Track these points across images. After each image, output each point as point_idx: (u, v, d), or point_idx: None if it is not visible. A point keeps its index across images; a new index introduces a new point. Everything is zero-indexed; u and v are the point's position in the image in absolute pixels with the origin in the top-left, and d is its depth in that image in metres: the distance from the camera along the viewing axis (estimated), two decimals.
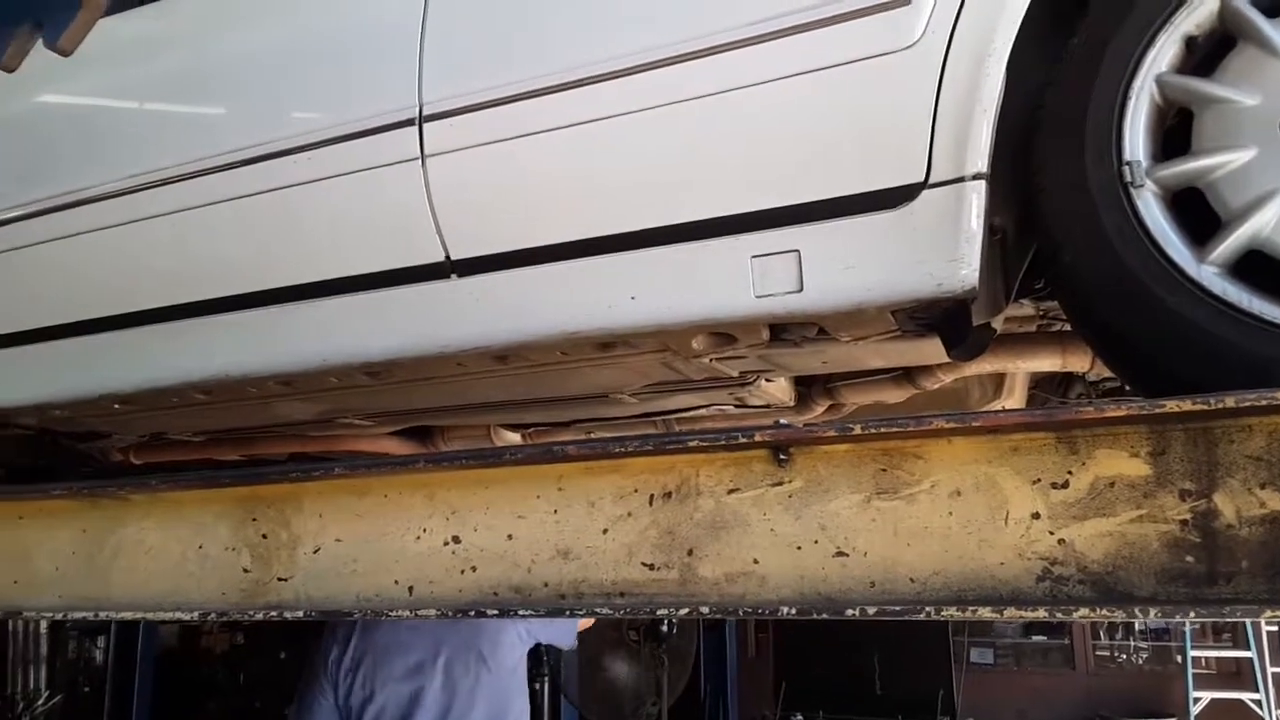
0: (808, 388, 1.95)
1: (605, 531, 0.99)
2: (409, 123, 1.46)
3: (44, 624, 6.36)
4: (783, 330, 1.41)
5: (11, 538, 1.36)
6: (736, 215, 1.29)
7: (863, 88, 1.20)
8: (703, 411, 2.05)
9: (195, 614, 1.19)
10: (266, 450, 2.38)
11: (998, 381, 2.03)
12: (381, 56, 1.51)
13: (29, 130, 1.85)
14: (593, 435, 2.25)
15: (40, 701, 6.06)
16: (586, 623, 2.87)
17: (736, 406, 1.99)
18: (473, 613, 1.03)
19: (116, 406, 1.83)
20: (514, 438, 2.30)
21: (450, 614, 1.02)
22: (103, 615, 1.24)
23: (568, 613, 0.98)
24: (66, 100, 1.79)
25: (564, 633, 2.71)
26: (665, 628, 4.52)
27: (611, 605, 0.96)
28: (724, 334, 1.40)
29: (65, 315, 1.75)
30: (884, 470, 0.95)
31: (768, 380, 1.81)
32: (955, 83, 1.15)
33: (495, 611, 1.02)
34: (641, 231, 1.34)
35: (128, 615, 1.22)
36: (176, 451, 2.40)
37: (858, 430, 0.94)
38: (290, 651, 9.36)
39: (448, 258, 1.47)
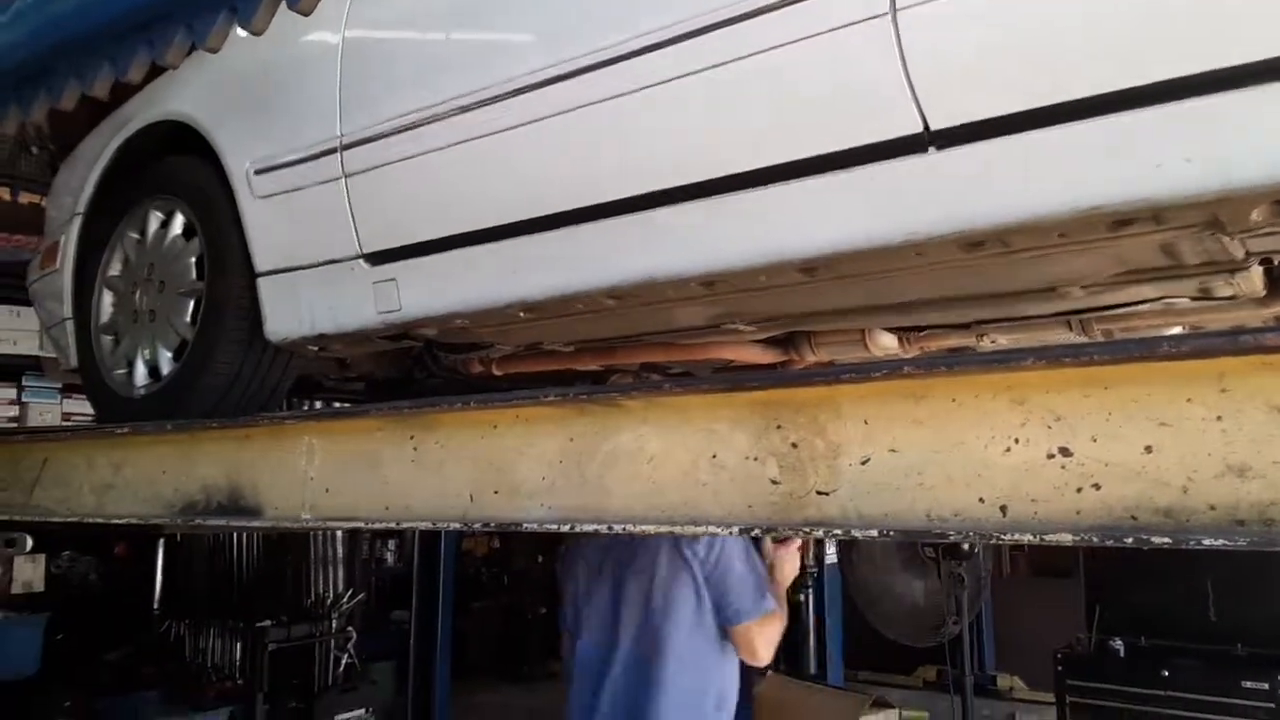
0: None
1: None
2: None
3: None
4: None
5: (489, 446, 1.33)
6: None
7: None
8: (1143, 308, 1.78)
9: (716, 527, 1.09)
10: (623, 359, 2.32)
11: None
12: None
13: (429, 25, 1.81)
14: (987, 338, 2.03)
15: (345, 599, 6.68)
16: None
17: (1194, 299, 1.70)
18: (1096, 538, 0.86)
19: (522, 315, 1.79)
20: (890, 343, 2.11)
21: (1083, 536, 0.86)
22: (601, 528, 1.16)
23: (1243, 542, 0.79)
24: None
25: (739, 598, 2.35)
26: (966, 545, 4.28)
27: None
28: None
29: (481, 220, 1.71)
30: None
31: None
32: None
33: (1130, 540, 0.85)
34: (1208, 74, 1.08)
35: (630, 527, 1.14)
36: (540, 362, 2.39)
37: None
38: (547, 555, 9.87)
39: (926, 128, 1.28)
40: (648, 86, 1.45)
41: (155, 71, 2.25)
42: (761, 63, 1.38)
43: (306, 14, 1.67)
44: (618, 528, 1.17)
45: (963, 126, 1.24)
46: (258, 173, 2.04)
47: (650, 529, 1.14)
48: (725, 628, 2.34)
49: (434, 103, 1.76)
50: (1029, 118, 1.21)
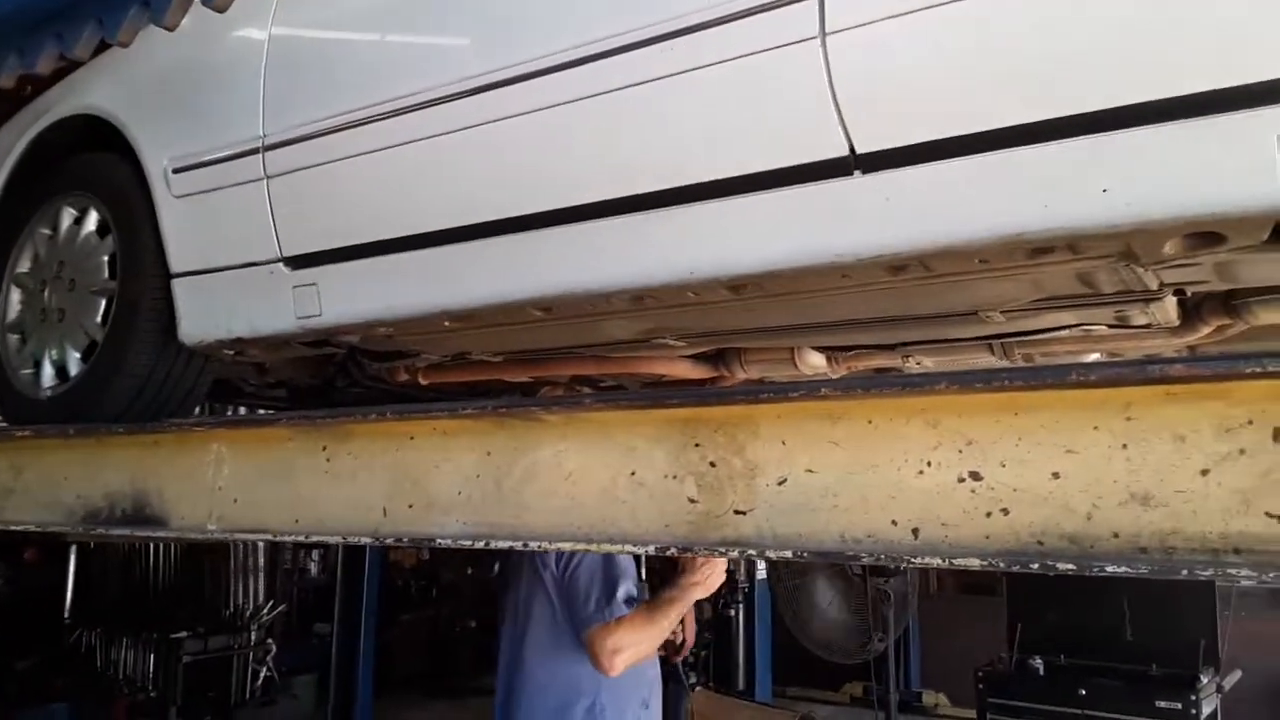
0: (1197, 306, 1.69)
1: (1205, 473, 0.79)
2: None
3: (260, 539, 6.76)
4: None
5: (404, 460, 1.29)
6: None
7: None
8: (1062, 333, 1.81)
9: (634, 546, 1.08)
10: (552, 372, 2.30)
11: None
12: None
13: (363, 27, 1.78)
14: (913, 359, 2.06)
15: (265, 611, 6.50)
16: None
17: (1111, 327, 1.74)
18: (1003, 564, 0.87)
19: (447, 324, 1.75)
20: (819, 362, 2.13)
21: (990, 561, 0.86)
22: (520, 545, 1.14)
23: (1144, 569, 0.80)
24: None
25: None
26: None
27: (1220, 563, 0.77)
28: (1210, 234, 1.17)
29: (407, 227, 1.67)
30: None
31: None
32: None
33: (1036, 565, 0.85)
34: (1129, 107, 1.11)
35: (550, 545, 1.11)
36: (467, 372, 2.35)
37: None
38: (476, 568, 9.74)
39: (852, 151, 1.29)
40: (579, 99, 1.44)
41: (72, 66, 2.18)
42: (693, 79, 1.37)
43: (222, 10, 1.63)
44: (534, 545, 1.14)
45: (887, 151, 1.25)
46: (176, 171, 1.97)
47: (567, 546, 1.11)
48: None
49: (362, 106, 1.73)
50: (952, 145, 1.22)
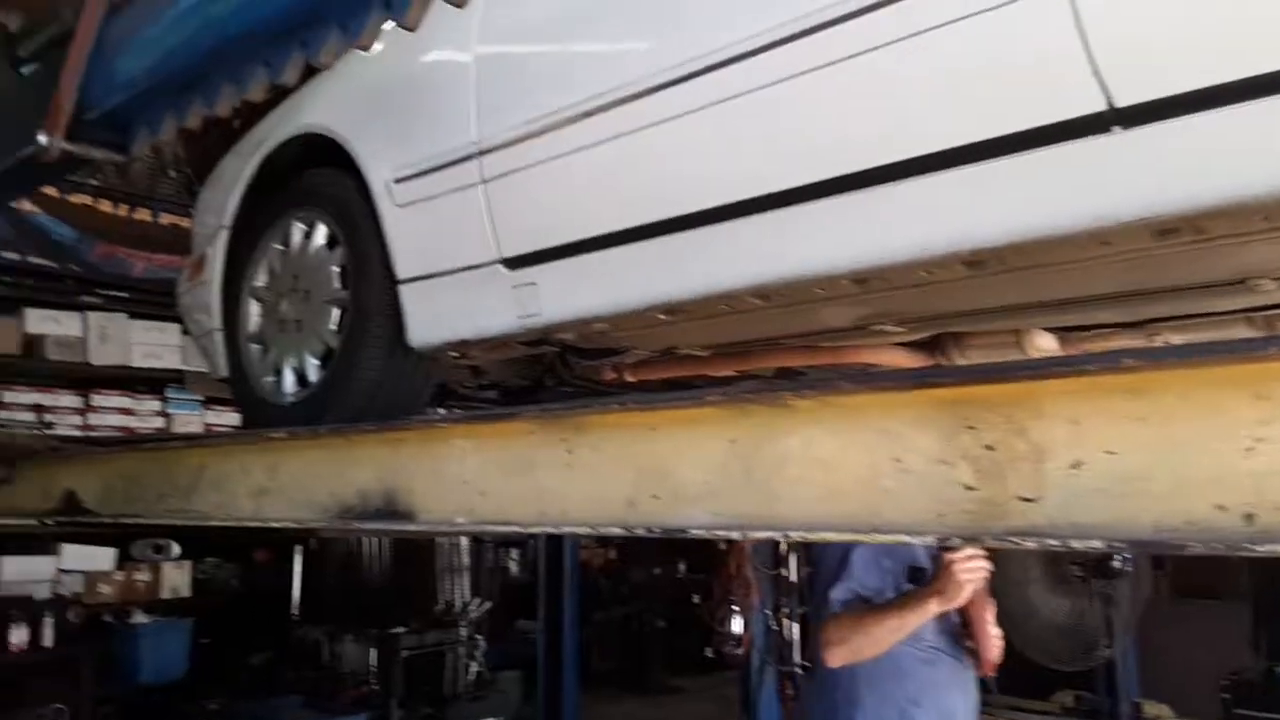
0: None
1: None
2: None
3: (464, 538, 7.07)
4: None
5: (646, 451, 1.28)
6: None
7: None
8: None
9: (904, 536, 1.02)
10: (759, 364, 2.25)
11: None
12: None
13: (573, 21, 1.79)
14: (1160, 337, 1.88)
15: (473, 607, 6.78)
16: None
17: None
18: None
19: (663, 317, 1.74)
20: (1049, 344, 1.98)
21: None
22: (773, 535, 1.09)
23: None
24: None
25: None
26: (1117, 562, 4.02)
27: None
28: None
29: (622, 221, 1.67)
30: None
31: None
32: None
33: None
34: None
35: (810, 536, 1.07)
36: (673, 368, 2.34)
37: None
38: (664, 567, 9.80)
39: (1110, 105, 1.17)
40: (806, 71, 1.39)
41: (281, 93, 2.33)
42: (926, 41, 1.29)
43: (412, 29, 1.68)
44: (793, 534, 1.10)
45: (1153, 103, 1.13)
46: (397, 181, 2.06)
47: (830, 536, 1.07)
48: None
49: (572, 103, 1.74)
50: (1238, 88, 1.09)
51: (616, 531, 1.30)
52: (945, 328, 1.92)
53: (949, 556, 2.35)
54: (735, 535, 1.16)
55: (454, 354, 2.11)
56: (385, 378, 2.14)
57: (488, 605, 6.97)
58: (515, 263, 1.87)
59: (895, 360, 2.07)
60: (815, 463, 1.10)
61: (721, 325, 1.80)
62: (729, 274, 1.55)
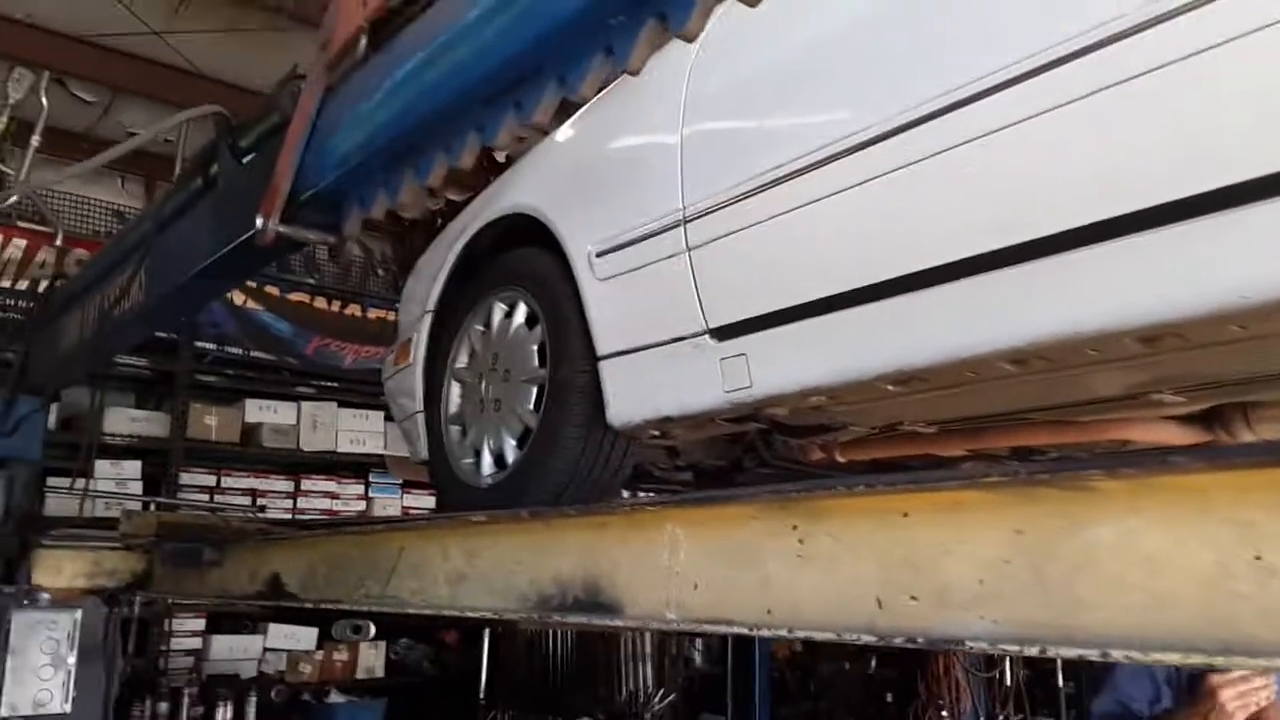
0: None
1: None
2: None
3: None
4: None
5: (898, 540, 1.08)
6: None
7: None
8: None
9: (1266, 658, 0.77)
10: (997, 443, 1.99)
11: None
12: None
13: (777, 80, 1.68)
14: None
15: (657, 698, 6.55)
16: None
17: None
18: None
19: (890, 388, 1.55)
20: None
21: None
22: (1082, 653, 0.87)
23: None
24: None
25: None
26: None
27: None
28: None
29: (845, 282, 1.51)
30: None
31: None
32: None
33: None
34: None
35: (1129, 655, 0.84)
36: (892, 447, 2.12)
37: None
38: (854, 663, 9.25)
39: None
40: (1082, 98, 1.19)
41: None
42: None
43: (691, 40, 1.59)
44: (1116, 654, 0.87)
45: None
46: (599, 255, 1.98)
47: (1162, 656, 0.83)
48: None
49: (786, 161, 1.61)
50: None
51: (865, 639, 1.09)
52: (1232, 397, 1.62)
53: (1216, 680, 1.99)
54: (1030, 651, 0.94)
55: (654, 433, 1.99)
56: (583, 458, 2.05)
57: (672, 696, 6.74)
58: (723, 333, 1.74)
59: (1165, 437, 1.78)
60: (1135, 559, 0.87)
61: (959, 398, 1.59)
62: (977, 335, 1.35)
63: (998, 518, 0.99)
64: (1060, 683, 5.17)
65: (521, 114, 1.48)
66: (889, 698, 7.99)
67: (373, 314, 7.18)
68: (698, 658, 8.29)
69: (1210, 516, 0.83)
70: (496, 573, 1.74)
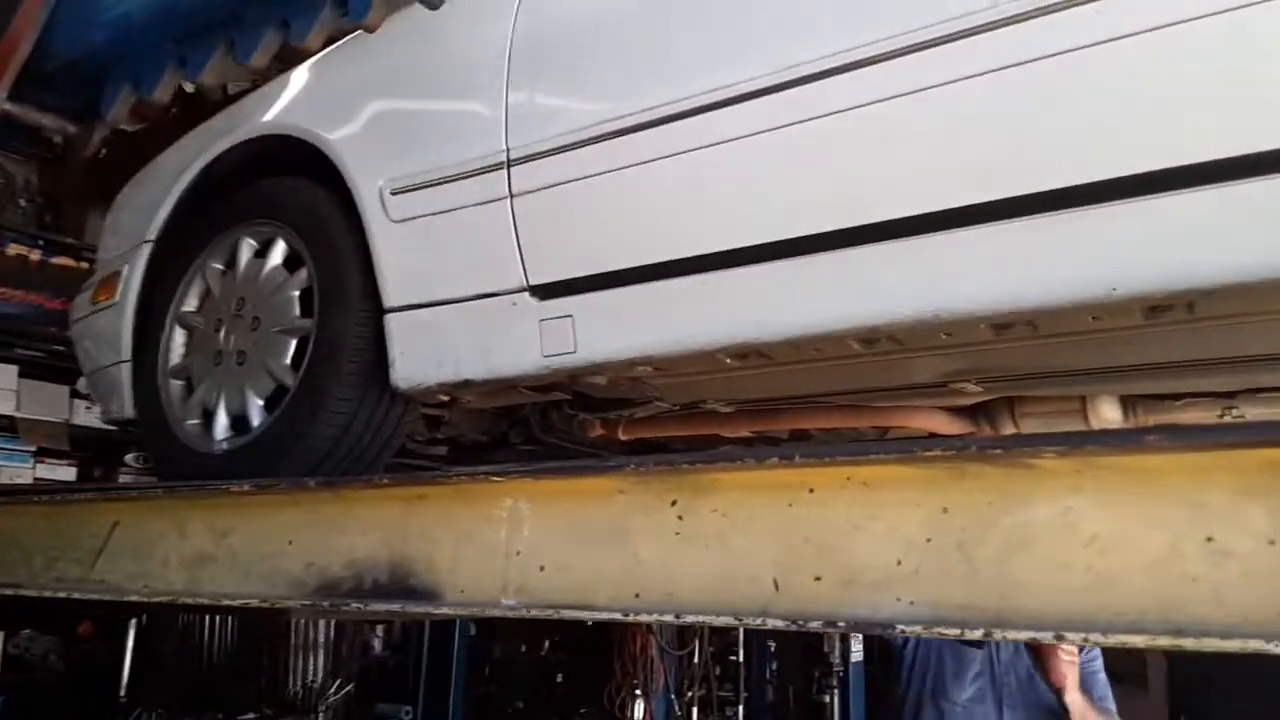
0: None
1: None
2: None
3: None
4: None
5: (802, 517, 1.01)
6: None
7: None
8: None
9: (1218, 639, 0.78)
10: (787, 425, 2.01)
11: None
12: None
13: (646, 8, 1.55)
14: (1232, 413, 1.77)
15: (332, 690, 6.13)
16: None
17: None
18: None
19: (729, 361, 1.49)
20: (1114, 414, 1.83)
21: None
22: (1016, 635, 0.85)
23: None
24: None
25: None
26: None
27: None
28: None
29: (704, 245, 1.42)
30: None
31: None
32: None
33: None
34: None
35: (1069, 638, 0.82)
36: (680, 426, 2.09)
37: None
38: (530, 646, 9.32)
39: None
40: (953, 82, 1.19)
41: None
42: (1090, 57, 1.12)
43: (435, 8, 1.41)
44: (1041, 635, 0.85)
45: None
46: (394, 193, 1.74)
47: (1097, 640, 0.82)
48: None
49: (626, 114, 1.49)
50: None
51: (754, 623, 1.01)
52: (1016, 391, 1.75)
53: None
54: (952, 633, 0.90)
55: (445, 397, 1.78)
56: (352, 424, 1.79)
57: (349, 689, 6.35)
58: (547, 291, 1.58)
59: (937, 426, 1.88)
60: (1079, 541, 0.86)
61: (795, 375, 1.56)
62: (841, 311, 1.31)
63: (920, 494, 0.95)
64: (741, 658, 5.48)
65: (236, 53, 1.22)
66: (559, 678, 8.12)
67: (12, 250, 6.05)
68: (377, 645, 7.91)
69: (1164, 496, 0.83)
70: (257, 554, 1.47)
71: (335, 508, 1.39)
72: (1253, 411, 1.73)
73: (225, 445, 1.89)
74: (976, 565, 0.91)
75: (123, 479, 4.94)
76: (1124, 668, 5.83)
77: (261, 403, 1.87)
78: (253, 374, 1.89)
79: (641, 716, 5.23)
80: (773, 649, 5.63)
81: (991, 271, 1.21)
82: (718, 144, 1.40)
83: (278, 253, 1.93)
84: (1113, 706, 2.82)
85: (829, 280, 1.32)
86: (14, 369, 5.60)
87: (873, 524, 0.97)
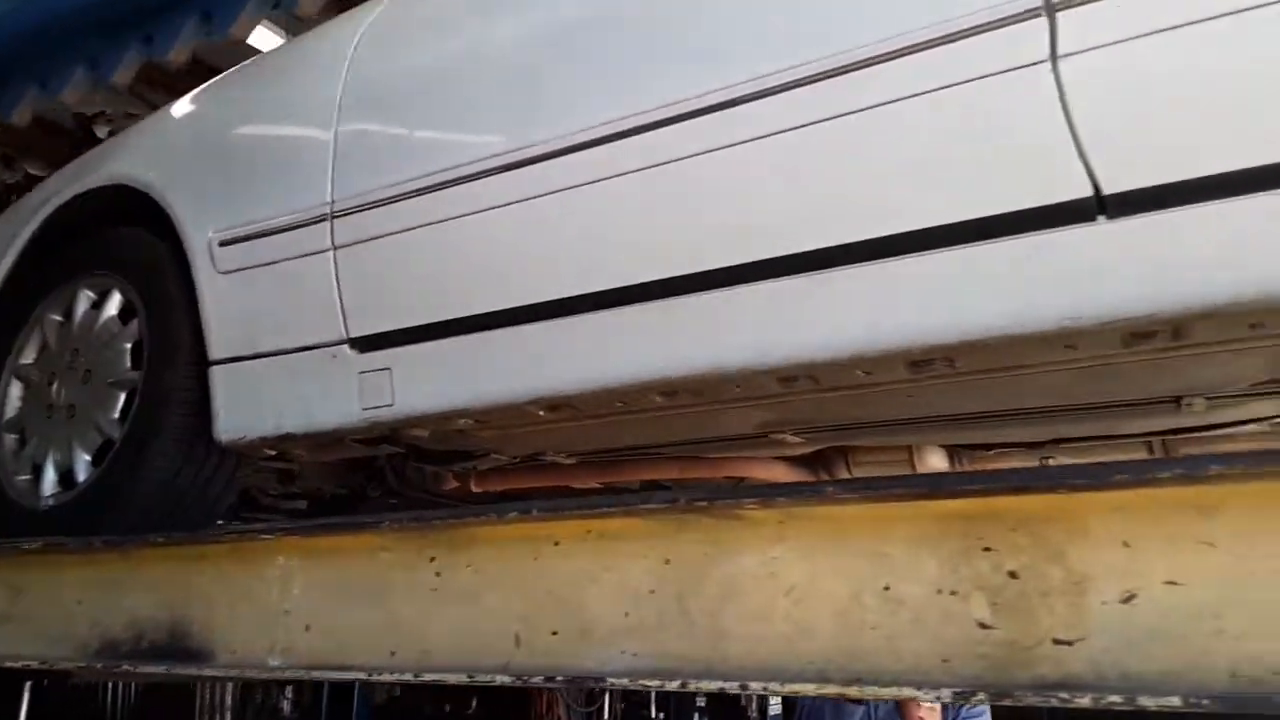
0: None
1: None
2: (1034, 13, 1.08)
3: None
4: None
5: (545, 571, 1.01)
6: None
7: None
8: (1249, 428, 1.59)
9: (894, 687, 0.80)
10: (630, 476, 2.03)
11: None
12: None
13: (460, 74, 1.58)
14: (1051, 460, 1.82)
15: None
16: None
17: None
18: None
19: (542, 413, 1.50)
20: (940, 462, 1.88)
21: None
22: (723, 686, 0.85)
23: None
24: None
25: None
26: None
27: None
28: None
29: (514, 299, 1.43)
30: None
31: None
32: None
33: None
34: None
35: (768, 688, 0.83)
36: (529, 478, 2.08)
37: None
38: (455, 705, 9.12)
39: (1097, 193, 1.07)
40: (742, 142, 1.23)
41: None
42: (895, 113, 1.17)
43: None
44: (754, 685, 0.85)
45: (1149, 190, 1.04)
46: (222, 245, 1.73)
47: (794, 689, 0.83)
48: None
49: (440, 169, 1.52)
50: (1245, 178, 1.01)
51: (501, 680, 1.00)
52: (841, 441, 1.78)
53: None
54: (670, 685, 0.90)
55: (270, 452, 1.76)
56: (177, 479, 1.75)
57: None
58: (366, 344, 1.58)
59: (779, 476, 1.91)
60: (779, 591, 0.87)
61: (607, 428, 1.57)
62: (640, 363, 1.33)
63: (647, 547, 0.96)
64: (652, 714, 5.42)
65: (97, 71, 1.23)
66: None
67: None
68: (287, 707, 7.66)
69: (849, 546, 0.85)
70: (49, 614, 1.42)
71: (122, 568, 1.36)
72: (1065, 460, 1.78)
73: (51, 501, 1.84)
74: (693, 616, 0.92)
75: None
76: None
77: (89, 457, 1.83)
78: (81, 427, 1.85)
79: None
80: (703, 704, 5.57)
81: (756, 329, 1.23)
82: (513, 203, 1.42)
83: (113, 304, 1.91)
84: None
85: (617, 335, 1.34)
86: None
87: (607, 575, 0.98)
